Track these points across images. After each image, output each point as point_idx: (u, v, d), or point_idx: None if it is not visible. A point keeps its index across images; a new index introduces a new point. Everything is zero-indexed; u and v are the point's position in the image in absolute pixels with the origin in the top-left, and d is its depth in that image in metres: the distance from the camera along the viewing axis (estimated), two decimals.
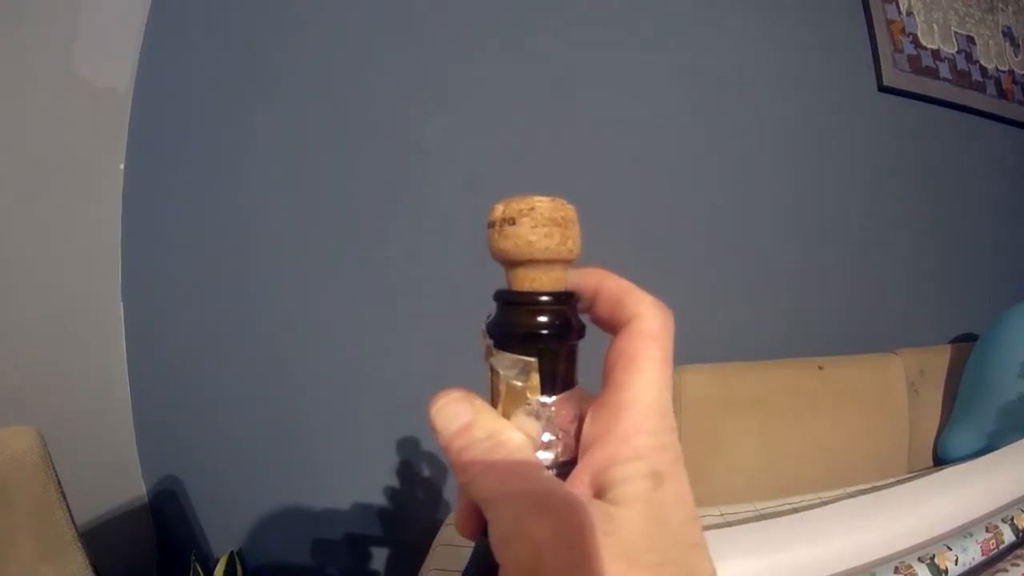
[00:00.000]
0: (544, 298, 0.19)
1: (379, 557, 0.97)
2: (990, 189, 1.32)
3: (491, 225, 0.19)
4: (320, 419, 0.95)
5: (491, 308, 0.20)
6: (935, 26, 1.23)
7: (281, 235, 0.94)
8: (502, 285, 0.20)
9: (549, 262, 0.19)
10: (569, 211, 0.19)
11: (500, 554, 0.16)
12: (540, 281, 0.19)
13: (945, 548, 0.54)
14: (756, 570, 0.54)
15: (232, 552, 0.89)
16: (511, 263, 0.19)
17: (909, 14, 1.20)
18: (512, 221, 0.18)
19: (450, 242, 0.93)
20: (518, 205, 0.18)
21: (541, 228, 0.18)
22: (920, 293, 1.24)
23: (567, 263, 0.19)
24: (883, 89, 1.17)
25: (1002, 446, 0.78)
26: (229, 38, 0.94)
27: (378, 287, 0.95)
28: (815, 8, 1.14)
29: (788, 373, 1.02)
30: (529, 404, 0.19)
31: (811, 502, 0.79)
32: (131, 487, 0.96)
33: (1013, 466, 0.70)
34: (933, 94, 1.21)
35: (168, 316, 0.96)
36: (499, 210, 0.19)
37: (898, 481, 0.78)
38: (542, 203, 0.18)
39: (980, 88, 1.27)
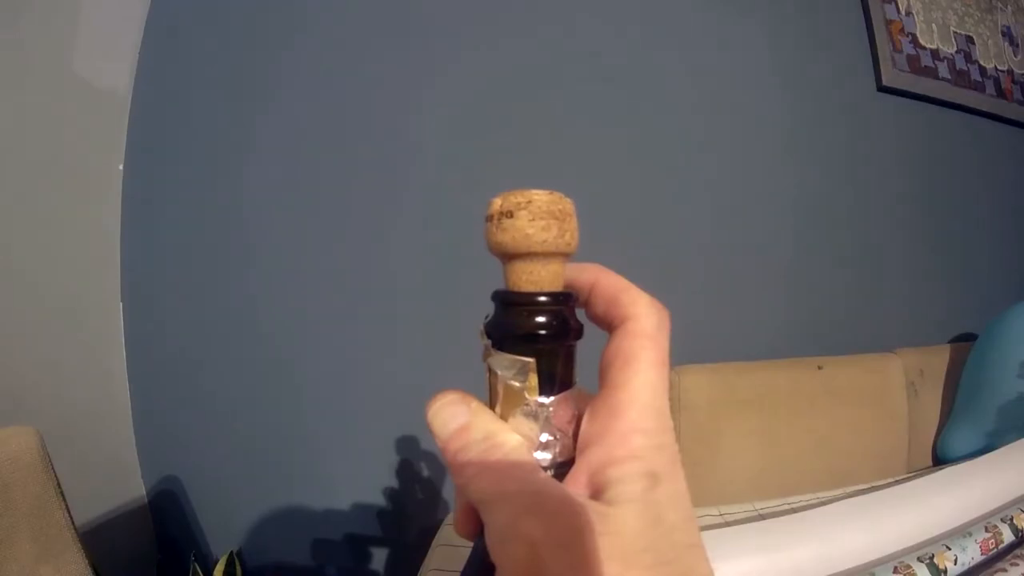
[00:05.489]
0: (542, 299, 0.19)
1: (379, 557, 0.97)
2: (989, 189, 1.32)
3: (489, 219, 0.19)
4: (320, 419, 0.95)
5: (490, 308, 0.20)
6: (934, 26, 1.23)
7: (280, 235, 0.94)
8: (502, 285, 0.20)
9: (547, 255, 0.19)
10: (567, 205, 0.19)
11: (496, 554, 0.16)
12: (538, 274, 0.19)
13: (944, 548, 0.54)
14: (755, 570, 0.54)
15: (232, 552, 0.89)
16: (508, 256, 0.19)
17: (908, 14, 1.20)
18: (510, 214, 0.18)
19: (450, 242, 0.93)
20: (516, 198, 0.18)
21: (539, 221, 0.18)
22: (920, 293, 1.24)
23: (565, 256, 0.19)
24: (882, 89, 1.18)
25: (1002, 446, 0.78)
26: (229, 38, 0.94)
27: (378, 287, 0.95)
28: (814, 8, 1.14)
29: (788, 373, 1.02)
30: (527, 404, 0.19)
31: (811, 502, 0.79)
32: (131, 487, 0.96)
33: (1013, 466, 0.70)
34: (932, 94, 1.21)
35: (168, 316, 0.96)
36: (497, 204, 0.19)
37: (898, 481, 0.78)
38: (540, 196, 0.18)
39: (979, 88, 1.27)
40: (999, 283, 1.31)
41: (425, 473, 0.96)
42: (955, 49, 1.25)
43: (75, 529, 0.57)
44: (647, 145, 1.03)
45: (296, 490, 0.96)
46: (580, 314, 0.21)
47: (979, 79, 1.28)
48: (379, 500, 0.95)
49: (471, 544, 0.19)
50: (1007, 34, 1.35)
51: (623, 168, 1.01)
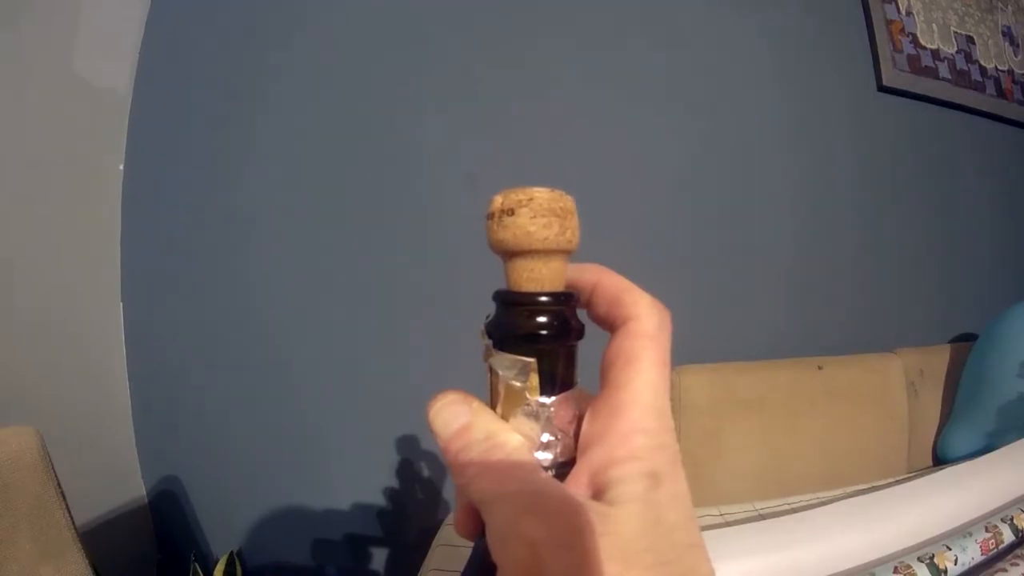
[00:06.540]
0: (543, 299, 0.19)
1: (379, 557, 0.97)
2: (989, 189, 1.32)
3: (490, 216, 0.19)
4: (320, 419, 0.95)
5: (491, 308, 0.20)
6: (934, 26, 1.23)
7: (280, 235, 0.94)
8: (502, 285, 0.20)
9: (548, 252, 0.19)
10: (568, 202, 0.19)
11: (497, 554, 0.16)
12: (539, 272, 0.19)
13: (944, 548, 0.54)
14: (756, 570, 0.54)
15: (232, 552, 0.89)
16: (510, 254, 0.19)
17: (908, 14, 1.20)
18: (511, 212, 0.18)
19: (450, 242, 0.93)
20: (517, 196, 0.18)
21: (540, 218, 0.18)
22: (920, 293, 1.24)
23: (566, 254, 0.19)
24: (882, 89, 1.18)
25: (1002, 446, 0.78)
26: (229, 38, 0.94)
27: (378, 287, 0.95)
28: (814, 8, 1.14)
29: (788, 373, 1.02)
30: (528, 405, 0.19)
31: (811, 502, 0.79)
32: (131, 487, 0.96)
33: (1013, 466, 0.70)
34: (932, 94, 1.21)
35: (168, 316, 0.96)
36: (498, 201, 0.19)
37: (898, 481, 0.78)
38: (541, 194, 0.18)
39: (979, 88, 1.27)
40: (999, 283, 1.31)
41: (425, 473, 0.96)
42: (955, 49, 1.25)
43: (75, 529, 0.57)
44: (647, 145, 1.03)
45: (296, 490, 0.96)
46: (581, 314, 0.21)
47: (979, 79, 1.28)
48: (379, 500, 0.95)
49: (471, 544, 0.19)
50: (1007, 34, 1.35)
51: (624, 168, 1.01)
